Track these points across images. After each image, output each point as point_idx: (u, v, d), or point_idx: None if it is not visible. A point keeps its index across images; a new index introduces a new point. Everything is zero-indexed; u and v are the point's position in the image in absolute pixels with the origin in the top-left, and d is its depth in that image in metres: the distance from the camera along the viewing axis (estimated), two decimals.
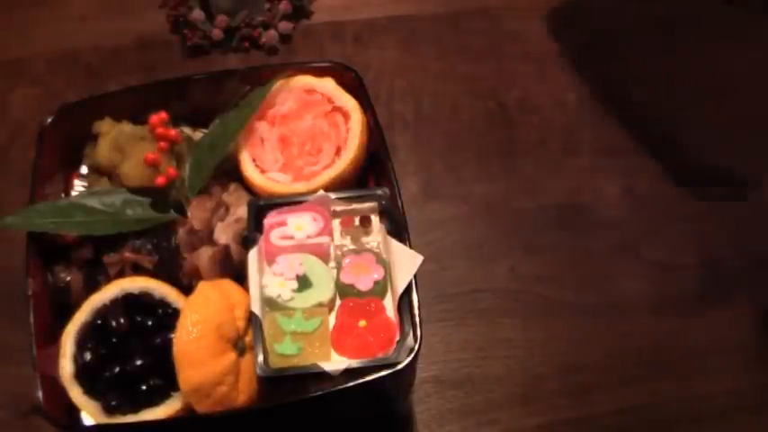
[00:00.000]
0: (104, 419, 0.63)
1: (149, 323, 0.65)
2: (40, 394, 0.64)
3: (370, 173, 0.74)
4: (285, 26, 1.04)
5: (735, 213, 0.92)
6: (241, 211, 0.68)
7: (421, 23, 1.06)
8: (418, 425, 0.82)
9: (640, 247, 0.90)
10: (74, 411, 0.67)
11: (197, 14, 1.03)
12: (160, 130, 0.71)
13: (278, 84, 0.74)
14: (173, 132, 0.71)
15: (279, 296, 0.63)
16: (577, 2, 1.08)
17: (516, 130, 0.98)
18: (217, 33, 1.03)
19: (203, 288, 0.63)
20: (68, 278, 0.69)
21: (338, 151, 0.70)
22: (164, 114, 0.71)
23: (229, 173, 0.72)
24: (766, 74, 1.02)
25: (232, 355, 0.63)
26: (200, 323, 0.62)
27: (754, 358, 0.82)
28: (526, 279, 0.88)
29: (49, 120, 0.75)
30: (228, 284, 0.65)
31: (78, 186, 0.77)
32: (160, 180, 0.69)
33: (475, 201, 0.93)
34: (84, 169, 0.78)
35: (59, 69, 1.03)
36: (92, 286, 0.67)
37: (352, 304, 0.63)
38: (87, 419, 0.66)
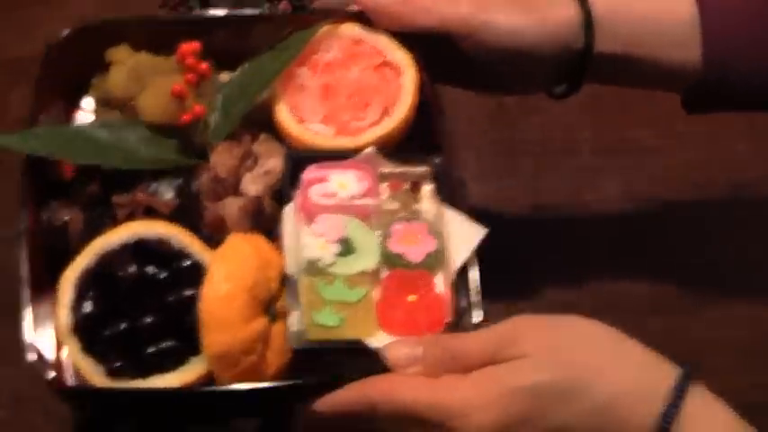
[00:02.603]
0: (105, 382, 0.55)
1: (164, 276, 0.57)
2: (34, 356, 0.58)
3: (414, 137, 0.67)
4: None
5: (735, 214, 0.91)
6: (272, 163, 0.61)
7: None
8: None
9: (640, 246, 0.90)
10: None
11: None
12: (191, 61, 0.64)
13: (324, 29, 0.66)
14: (204, 65, 0.64)
15: (319, 259, 0.56)
16: None
17: (516, 130, 0.98)
18: None
19: (236, 240, 0.56)
20: (67, 217, 0.60)
21: (386, 109, 0.64)
22: (196, 44, 0.65)
23: (259, 122, 0.65)
24: None
25: (263, 321, 0.56)
26: (233, 280, 0.55)
27: (753, 358, 0.82)
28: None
29: (64, 34, 0.67)
30: (261, 240, 0.58)
31: (84, 116, 0.70)
32: (185, 117, 0.62)
33: (474, 200, 0.92)
34: (87, 103, 0.70)
35: None
36: (94, 228, 0.59)
37: (400, 276, 0.57)
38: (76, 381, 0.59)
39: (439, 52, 0.66)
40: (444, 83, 0.72)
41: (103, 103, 0.67)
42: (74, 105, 0.69)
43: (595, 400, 0.48)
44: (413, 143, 0.64)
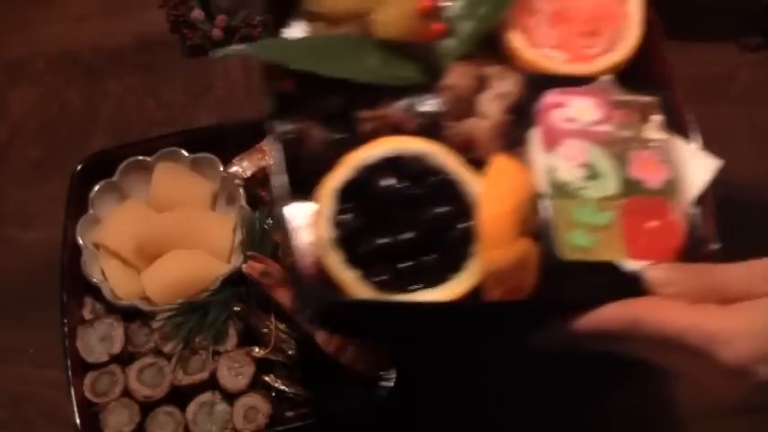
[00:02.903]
0: (371, 295, 0.53)
1: (423, 192, 0.55)
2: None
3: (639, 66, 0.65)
4: None
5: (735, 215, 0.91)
6: (505, 85, 0.60)
7: None
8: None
9: None
10: None
11: (197, 14, 1.03)
12: None
13: None
14: None
15: (570, 183, 0.56)
16: None
17: None
18: (217, 33, 1.03)
19: (504, 162, 0.56)
20: (307, 128, 0.58)
21: (615, 37, 0.63)
22: None
23: (486, 45, 0.63)
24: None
25: (527, 240, 0.55)
26: (507, 199, 0.54)
27: None
28: None
29: None
30: (517, 162, 0.57)
31: (295, 32, 0.64)
32: (427, 34, 0.60)
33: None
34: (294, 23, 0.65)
35: (59, 69, 1.03)
36: (336, 142, 0.57)
37: (640, 202, 0.56)
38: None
39: None
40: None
41: (318, 18, 0.63)
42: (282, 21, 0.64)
43: None
44: (638, 72, 0.62)
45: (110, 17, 1.07)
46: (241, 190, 0.83)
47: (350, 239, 0.54)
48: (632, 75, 0.61)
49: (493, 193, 0.54)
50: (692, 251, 0.55)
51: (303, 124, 0.58)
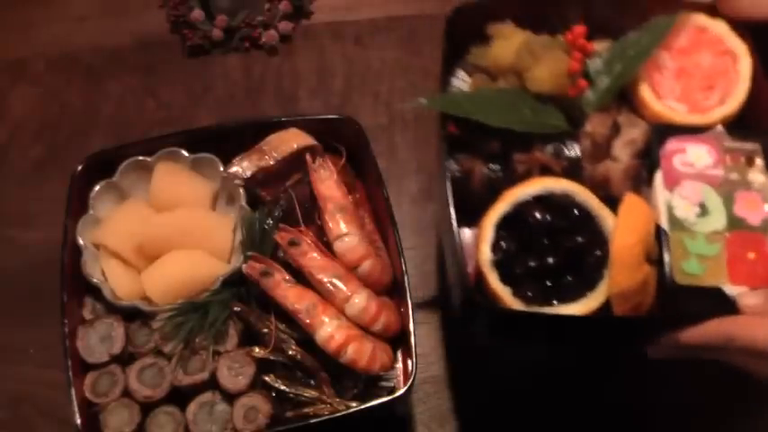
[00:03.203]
0: (520, 307, 0.66)
1: (566, 224, 0.68)
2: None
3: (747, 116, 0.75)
4: (285, 26, 1.04)
5: None
6: (634, 132, 0.71)
7: (421, 23, 1.05)
8: (418, 425, 0.82)
9: None
10: None
11: (197, 14, 1.03)
12: (581, 42, 0.72)
13: (680, 17, 0.75)
14: (591, 46, 0.72)
15: (685, 219, 0.67)
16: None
17: None
18: (217, 33, 1.03)
19: (634, 200, 0.67)
20: (471, 167, 0.71)
21: (727, 91, 0.73)
22: (584, 28, 0.73)
23: (620, 97, 0.74)
24: None
25: (648, 266, 0.67)
26: (636, 232, 0.65)
27: None
28: None
29: (454, 11, 0.76)
30: (643, 200, 0.69)
31: (457, 83, 0.77)
32: (573, 90, 0.71)
33: None
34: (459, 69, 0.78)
35: (59, 69, 1.03)
36: (495, 179, 0.70)
37: (742, 237, 0.67)
38: None
39: None
40: None
41: (479, 71, 0.75)
42: (449, 68, 0.76)
43: None
44: (746, 121, 0.72)
45: (110, 17, 1.07)
46: (241, 190, 0.82)
47: (505, 262, 0.67)
48: (740, 124, 0.72)
49: (623, 226, 0.66)
50: None
51: (468, 164, 0.71)
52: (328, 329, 0.74)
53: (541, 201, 0.68)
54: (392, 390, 0.77)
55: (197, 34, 1.03)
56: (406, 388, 0.72)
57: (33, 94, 1.01)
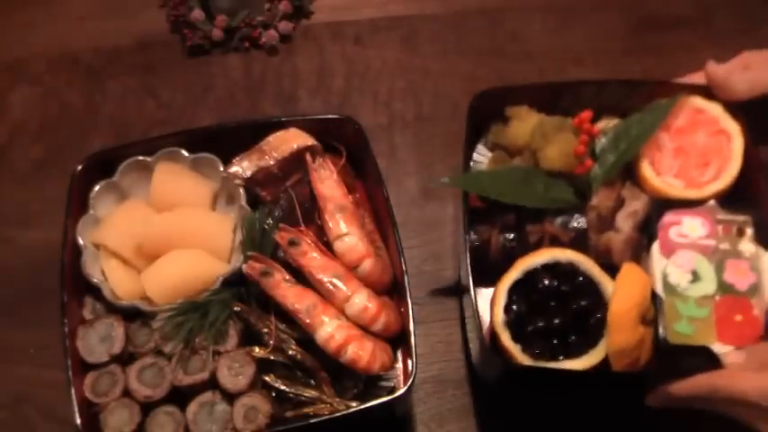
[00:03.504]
0: (529, 362, 0.73)
1: (571, 289, 0.75)
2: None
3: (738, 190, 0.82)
4: (285, 26, 1.04)
5: None
6: (636, 204, 0.78)
7: (421, 23, 1.06)
8: (418, 425, 0.82)
9: None
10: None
11: (197, 14, 1.03)
12: (587, 126, 0.79)
13: (679, 100, 0.82)
14: (596, 129, 0.79)
15: (678, 284, 0.74)
16: (577, 2, 1.08)
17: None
18: (217, 33, 1.03)
19: (632, 268, 0.74)
20: (489, 237, 0.79)
21: (720, 168, 0.80)
22: (590, 113, 0.80)
23: (623, 170, 0.81)
24: None
25: (643, 327, 0.73)
26: (632, 297, 0.72)
27: None
28: None
29: (478, 95, 0.82)
30: (641, 268, 0.76)
31: (477, 157, 0.85)
32: (580, 169, 0.78)
33: None
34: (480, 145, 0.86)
35: (59, 69, 1.03)
36: (510, 248, 0.79)
37: (731, 301, 0.74)
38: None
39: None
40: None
41: (499, 147, 0.84)
42: (470, 147, 0.85)
43: None
44: (738, 195, 0.80)
45: (110, 17, 1.07)
46: (241, 190, 0.83)
47: (517, 322, 0.75)
48: (733, 197, 0.79)
49: (620, 293, 0.73)
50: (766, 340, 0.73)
51: (487, 233, 0.79)
52: (328, 329, 0.74)
53: (549, 268, 0.76)
54: (392, 390, 0.77)
55: (197, 34, 1.03)
56: (406, 388, 0.72)
57: (33, 94, 1.01)
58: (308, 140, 0.84)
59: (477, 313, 0.73)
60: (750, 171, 0.79)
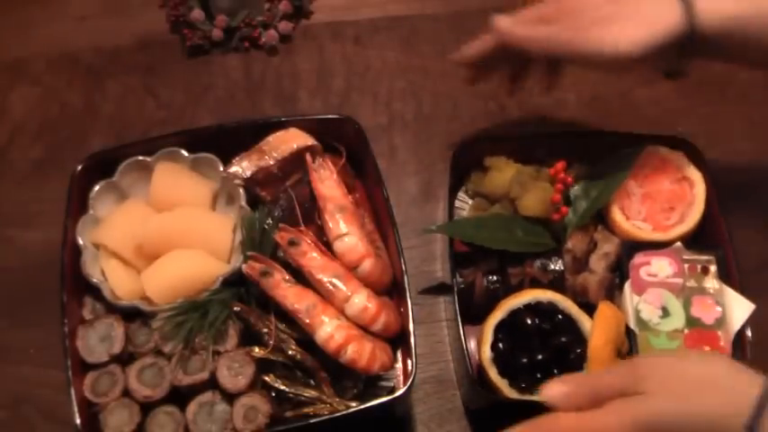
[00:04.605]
0: (516, 396, 0.76)
1: (551, 327, 0.79)
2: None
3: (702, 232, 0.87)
4: (285, 26, 1.04)
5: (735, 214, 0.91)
6: (607, 247, 0.84)
7: (421, 23, 1.06)
8: (418, 425, 0.82)
9: None
10: None
11: (197, 14, 1.03)
12: (561, 175, 0.84)
13: (645, 149, 0.88)
14: (570, 179, 0.85)
15: (650, 320, 0.81)
16: None
17: (516, 130, 0.98)
18: (216, 33, 1.03)
19: (606, 307, 0.80)
20: (473, 279, 0.83)
21: (684, 213, 0.86)
22: (564, 163, 0.85)
23: (595, 215, 0.87)
24: None
25: (619, 360, 0.78)
26: (607, 334, 0.77)
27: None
28: None
29: (459, 147, 0.87)
30: (614, 306, 0.81)
31: (458, 203, 0.90)
32: (556, 215, 0.84)
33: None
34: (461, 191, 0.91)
35: (59, 69, 1.03)
36: (493, 289, 0.83)
37: (698, 334, 0.80)
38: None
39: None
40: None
41: (479, 195, 0.89)
42: (453, 195, 0.89)
43: (697, 423, 0.61)
44: (702, 237, 0.86)
45: (110, 17, 1.07)
46: (241, 190, 0.83)
47: (503, 359, 0.78)
48: (697, 239, 0.85)
49: (597, 330, 0.78)
50: None
51: (471, 276, 0.83)
52: (328, 329, 0.74)
53: (531, 308, 0.80)
54: (392, 390, 0.77)
55: (197, 34, 1.03)
56: (405, 388, 0.72)
57: (33, 94, 1.01)
58: (308, 140, 0.84)
59: (468, 352, 0.76)
60: (712, 214, 0.85)
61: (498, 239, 0.83)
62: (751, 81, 1.01)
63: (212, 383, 0.76)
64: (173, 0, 1.05)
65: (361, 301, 0.76)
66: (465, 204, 0.90)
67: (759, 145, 0.98)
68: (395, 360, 0.79)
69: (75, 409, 0.73)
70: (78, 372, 0.75)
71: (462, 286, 0.82)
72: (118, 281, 0.80)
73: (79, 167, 0.82)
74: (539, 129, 0.98)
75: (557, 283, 0.83)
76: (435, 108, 1.00)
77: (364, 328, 0.76)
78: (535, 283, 0.83)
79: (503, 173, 0.87)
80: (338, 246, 0.79)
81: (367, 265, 0.78)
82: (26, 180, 0.96)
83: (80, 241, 0.80)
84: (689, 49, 0.76)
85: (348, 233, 0.79)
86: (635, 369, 0.64)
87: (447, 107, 0.99)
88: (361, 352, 0.74)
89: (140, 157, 0.84)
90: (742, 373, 0.63)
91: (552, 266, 0.83)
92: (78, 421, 0.72)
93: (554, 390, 0.65)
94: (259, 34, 1.04)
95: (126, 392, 0.76)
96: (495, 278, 0.84)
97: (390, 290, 0.81)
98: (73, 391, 0.74)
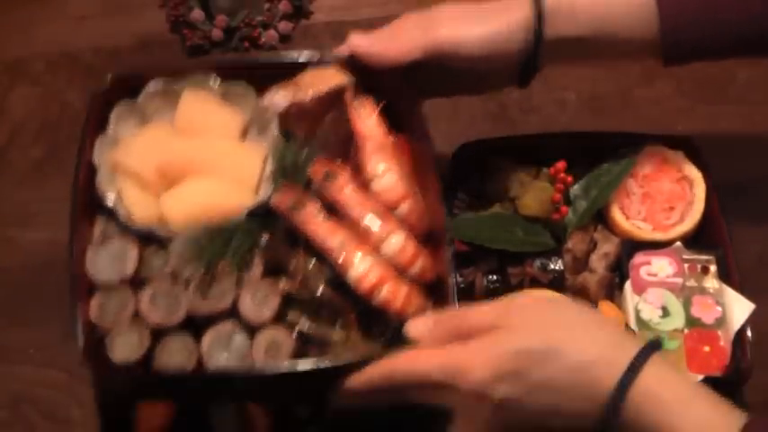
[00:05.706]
0: None
1: None
2: None
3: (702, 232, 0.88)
4: (285, 26, 1.04)
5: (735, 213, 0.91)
6: (607, 247, 0.85)
7: None
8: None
9: None
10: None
11: (197, 14, 1.03)
12: (561, 176, 0.85)
13: (645, 149, 0.88)
14: (570, 179, 0.85)
15: (650, 320, 0.81)
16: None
17: (516, 130, 0.98)
18: (216, 33, 1.03)
19: (608, 305, 0.81)
20: (473, 279, 0.83)
21: (684, 212, 0.86)
22: (564, 163, 0.85)
23: (596, 217, 0.88)
24: None
25: None
26: None
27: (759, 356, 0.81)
28: None
29: (459, 147, 0.88)
30: (615, 305, 0.82)
31: (458, 203, 0.88)
32: (556, 215, 0.84)
33: None
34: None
35: (59, 69, 1.03)
36: (492, 289, 0.83)
37: (698, 333, 0.80)
38: None
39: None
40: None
41: (479, 195, 0.88)
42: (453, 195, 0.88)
43: (567, 363, 0.59)
44: (702, 236, 0.86)
45: (110, 17, 1.07)
46: (274, 119, 0.76)
47: None
48: (697, 239, 0.86)
49: None
50: (733, 370, 0.78)
51: (471, 276, 0.83)
52: (361, 268, 0.69)
53: None
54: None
55: (197, 34, 1.03)
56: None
57: (33, 94, 1.01)
58: (346, 79, 0.78)
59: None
60: (712, 214, 0.86)
61: (498, 239, 0.83)
62: (751, 81, 1.01)
63: (232, 313, 0.70)
64: (173, 0, 1.05)
65: (398, 241, 0.71)
66: (464, 205, 0.89)
67: (759, 145, 0.98)
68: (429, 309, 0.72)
69: (80, 330, 0.67)
70: (84, 293, 0.70)
71: (462, 286, 0.82)
72: (134, 202, 0.73)
73: (105, 85, 0.77)
74: (539, 129, 0.98)
75: (557, 283, 0.83)
76: (435, 108, 0.99)
77: (400, 271, 0.71)
78: (535, 283, 0.83)
79: (503, 172, 0.87)
80: (377, 184, 0.74)
81: (406, 206, 0.74)
82: (26, 180, 0.96)
83: (95, 160, 0.75)
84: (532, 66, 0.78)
85: (388, 171, 0.75)
86: (506, 305, 0.63)
87: (447, 107, 0.99)
88: (396, 293, 0.69)
89: (167, 80, 0.78)
90: (622, 334, 0.64)
91: (552, 266, 0.83)
92: (81, 343, 0.67)
93: (417, 324, 0.63)
94: (259, 34, 1.04)
95: (136, 316, 0.69)
96: (495, 278, 0.84)
97: (424, 239, 0.76)
98: (78, 312, 0.68)
